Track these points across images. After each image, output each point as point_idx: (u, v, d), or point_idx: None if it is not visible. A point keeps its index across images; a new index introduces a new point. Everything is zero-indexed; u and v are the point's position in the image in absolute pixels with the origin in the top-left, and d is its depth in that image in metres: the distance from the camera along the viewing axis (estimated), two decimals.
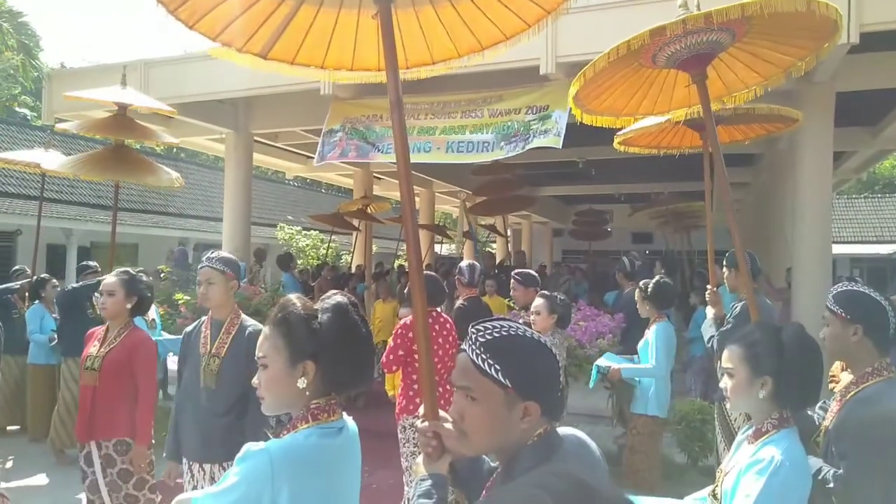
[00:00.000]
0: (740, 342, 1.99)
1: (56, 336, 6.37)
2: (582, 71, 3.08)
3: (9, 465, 5.89)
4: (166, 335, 6.14)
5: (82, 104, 7.44)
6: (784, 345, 1.92)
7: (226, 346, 3.06)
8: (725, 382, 2.01)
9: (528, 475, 0.80)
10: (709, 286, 4.29)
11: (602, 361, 4.88)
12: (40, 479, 5.54)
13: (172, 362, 6.69)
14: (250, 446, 1.45)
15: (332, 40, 2.33)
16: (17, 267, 7.82)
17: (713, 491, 2.03)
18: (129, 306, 3.46)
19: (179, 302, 7.04)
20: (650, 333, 4.65)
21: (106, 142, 7.35)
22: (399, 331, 4.24)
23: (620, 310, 6.47)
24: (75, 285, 6.25)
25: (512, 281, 5.19)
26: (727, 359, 2.00)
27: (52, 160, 6.96)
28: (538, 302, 4.39)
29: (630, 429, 4.83)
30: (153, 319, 6.01)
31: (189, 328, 3.31)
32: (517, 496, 0.73)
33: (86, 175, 6.71)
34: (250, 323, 3.15)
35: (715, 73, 3.37)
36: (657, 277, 4.91)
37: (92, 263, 7.03)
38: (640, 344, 4.77)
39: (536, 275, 5.37)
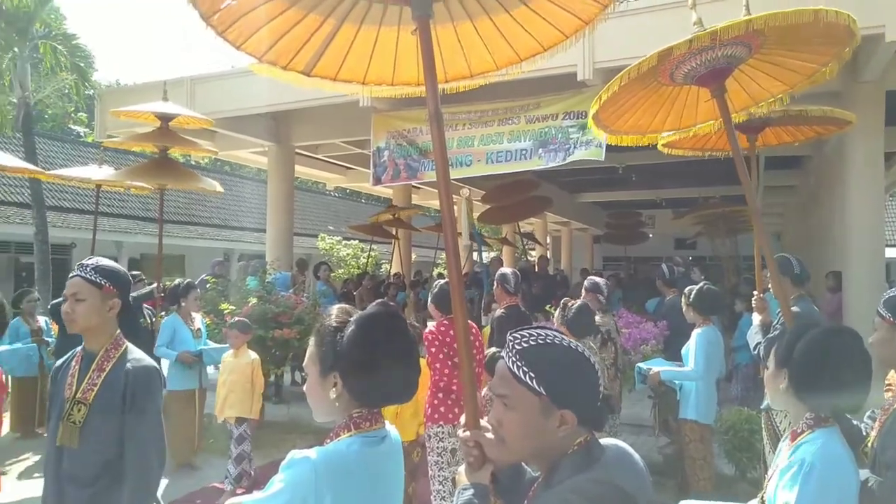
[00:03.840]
0: (779, 336, 2.06)
1: None
2: (598, 95, 3.09)
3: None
4: (212, 344, 6.30)
5: (132, 121, 7.71)
6: (803, 339, 1.89)
7: (95, 389, 2.24)
8: (764, 376, 2.06)
9: (565, 482, 0.80)
10: (755, 292, 4.20)
11: (643, 364, 4.84)
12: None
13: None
14: (294, 453, 1.48)
15: (373, 56, 2.38)
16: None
17: (761, 497, 1.99)
18: None
19: (225, 311, 7.21)
20: (692, 338, 4.59)
21: (152, 156, 7.64)
22: (427, 339, 4.27)
23: (662, 317, 6.37)
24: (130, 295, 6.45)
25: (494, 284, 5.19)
26: (770, 353, 2.05)
27: (104, 175, 7.29)
28: (556, 313, 4.44)
29: (682, 437, 4.76)
30: (198, 329, 6.17)
31: (60, 361, 2.45)
32: (554, 502, 0.74)
33: (132, 181, 7.06)
34: (136, 356, 2.34)
35: (738, 85, 3.34)
36: (702, 284, 4.84)
37: (137, 273, 7.26)
38: (684, 349, 4.71)
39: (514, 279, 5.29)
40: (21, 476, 5.94)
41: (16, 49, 11.92)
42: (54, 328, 7.17)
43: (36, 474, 5.97)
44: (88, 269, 2.33)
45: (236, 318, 5.81)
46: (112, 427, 2.21)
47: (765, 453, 4.28)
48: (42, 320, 7.27)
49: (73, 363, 2.35)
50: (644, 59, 2.75)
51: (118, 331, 2.38)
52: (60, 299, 7.74)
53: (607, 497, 0.74)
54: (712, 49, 2.82)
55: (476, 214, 14.28)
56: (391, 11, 2.21)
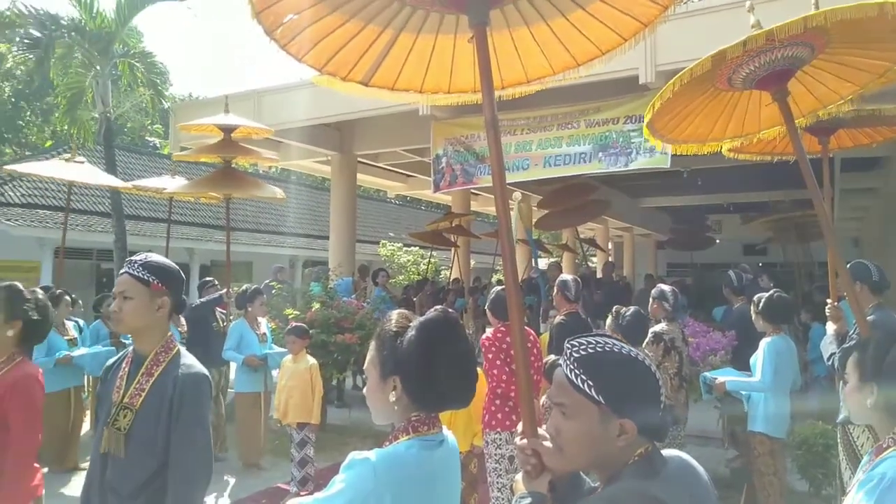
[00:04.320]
0: (858, 348, 1.93)
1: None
2: (651, 102, 3.00)
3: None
4: (277, 348, 6.48)
5: (204, 133, 8.04)
6: (893, 351, 1.79)
7: (143, 395, 2.12)
8: (843, 390, 1.95)
9: (595, 494, 0.79)
10: (829, 301, 4.01)
11: (708, 374, 4.69)
12: None
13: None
14: (354, 454, 1.51)
15: (430, 64, 2.41)
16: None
17: None
18: (9, 333, 2.60)
19: (290, 317, 7.40)
20: (761, 348, 4.42)
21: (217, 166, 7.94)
22: (485, 345, 4.28)
23: (730, 326, 6.15)
24: (200, 300, 6.72)
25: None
26: (848, 364, 1.95)
27: (174, 186, 7.66)
28: (608, 321, 4.36)
29: (751, 450, 4.59)
30: (263, 333, 6.37)
31: (111, 361, 2.33)
32: None
33: (199, 191, 7.37)
34: (187, 362, 2.21)
35: (803, 88, 3.18)
36: (772, 292, 4.65)
37: (209, 279, 7.56)
38: (752, 359, 4.54)
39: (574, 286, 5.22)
40: None
41: (97, 67, 12.62)
42: None
43: None
44: (136, 265, 2.18)
45: (294, 324, 5.90)
46: (158, 436, 2.08)
47: (840, 469, 4.08)
48: None
49: (124, 365, 2.21)
50: (697, 64, 2.66)
51: (170, 332, 2.26)
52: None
53: None
54: (771, 51, 2.70)
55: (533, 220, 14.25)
56: (448, 20, 2.23)
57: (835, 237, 3.66)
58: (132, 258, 2.22)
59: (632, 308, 4.55)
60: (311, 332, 7.02)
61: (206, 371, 2.23)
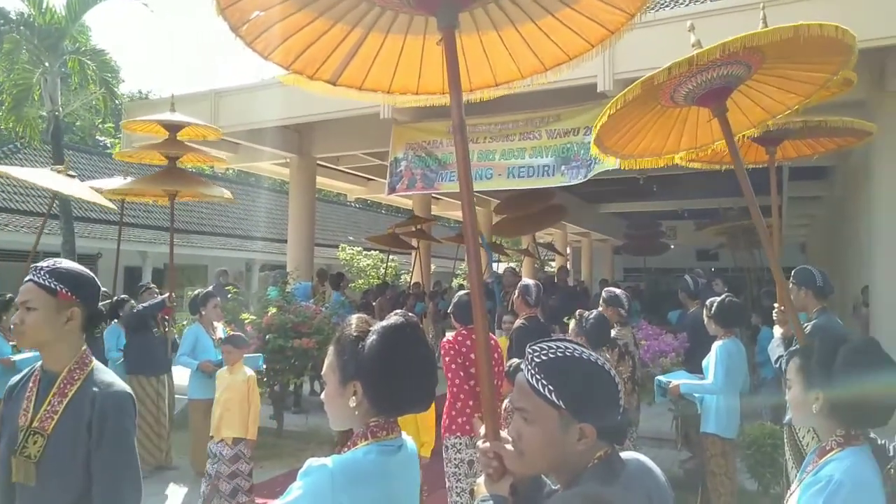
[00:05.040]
0: (800, 354, 1.97)
1: (123, 355, 6.56)
2: (594, 123, 3.08)
3: None
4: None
5: (151, 134, 7.81)
6: (838, 358, 1.84)
7: (56, 417, 1.89)
8: (787, 395, 1.98)
9: (552, 497, 0.80)
10: (776, 305, 4.14)
11: (663, 377, 4.79)
12: None
13: None
14: (312, 461, 1.50)
15: (398, 65, 2.40)
16: (104, 289, 8.27)
17: None
18: None
19: (246, 321, 7.27)
20: (713, 351, 4.54)
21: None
22: (444, 348, 4.28)
23: (684, 329, 6.30)
24: (141, 305, 6.49)
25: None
26: (788, 370, 1.98)
27: (116, 185, 7.47)
28: (571, 325, 4.40)
29: (704, 451, 4.70)
30: (220, 338, 6.23)
31: (14, 379, 2.07)
32: None
33: (143, 189, 7.17)
34: (105, 379, 1.97)
35: (749, 101, 3.30)
36: (723, 296, 4.78)
37: (145, 283, 7.35)
38: (704, 361, 4.66)
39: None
40: None
41: (46, 64, 12.22)
42: None
43: None
44: (42, 272, 1.94)
45: (230, 333, 5.55)
46: (77, 463, 1.86)
47: (787, 469, 4.21)
48: None
49: (31, 384, 1.96)
50: (628, 89, 2.76)
51: (84, 347, 2.01)
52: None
53: None
54: (706, 70, 2.80)
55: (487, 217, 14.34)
56: (417, 21, 2.23)
57: (773, 244, 3.81)
58: (38, 264, 1.98)
59: (594, 311, 4.62)
60: (267, 336, 6.94)
61: (127, 388, 2.01)
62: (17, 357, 6.09)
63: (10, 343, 6.18)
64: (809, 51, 2.77)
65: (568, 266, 15.95)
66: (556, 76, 2.44)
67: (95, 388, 1.92)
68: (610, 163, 6.82)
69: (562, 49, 2.34)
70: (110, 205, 7.83)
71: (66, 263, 2.01)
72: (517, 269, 12.69)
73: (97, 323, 2.05)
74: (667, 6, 7.62)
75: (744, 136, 3.78)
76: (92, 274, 2.05)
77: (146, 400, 6.23)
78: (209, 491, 4.97)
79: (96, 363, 2.02)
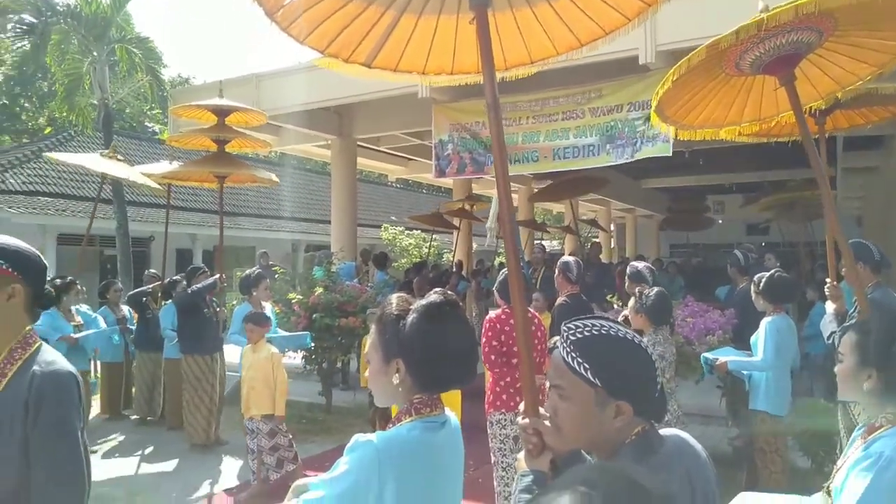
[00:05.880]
0: (857, 329, 1.93)
1: (176, 335, 6.81)
2: (656, 91, 2.98)
3: (148, 451, 6.48)
4: (281, 332, 6.53)
5: (199, 120, 8.00)
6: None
7: None
8: (837, 368, 1.94)
9: (573, 471, 0.81)
10: (828, 280, 4.02)
11: (709, 354, 4.70)
12: (175, 464, 6.06)
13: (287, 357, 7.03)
14: (359, 437, 1.54)
15: (432, 46, 2.40)
16: (153, 270, 8.59)
17: (826, 487, 1.94)
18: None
19: (293, 301, 7.43)
20: (761, 327, 4.43)
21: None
22: (486, 326, 4.30)
23: (733, 306, 6.16)
24: (195, 287, 6.69)
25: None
26: (843, 344, 1.95)
27: (165, 170, 7.73)
28: (630, 302, 4.30)
29: (752, 428, 4.62)
30: (269, 317, 6.40)
31: None
32: (560, 489, 0.75)
33: (193, 173, 7.40)
34: (47, 359, 1.83)
35: (818, 70, 3.15)
36: (773, 271, 4.66)
37: (198, 265, 7.58)
38: (753, 338, 4.56)
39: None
40: (105, 455, 6.35)
41: (94, 53, 12.57)
42: (135, 317, 7.62)
43: (117, 454, 6.38)
44: None
45: (252, 311, 5.61)
46: (12, 450, 1.71)
47: (841, 446, 4.11)
48: (125, 309, 7.72)
49: None
50: (693, 53, 2.65)
51: (29, 327, 1.87)
52: (139, 290, 8.05)
53: (614, 488, 0.74)
54: (776, 36, 2.68)
55: (527, 196, 14.18)
56: (450, 1, 2.22)
57: (836, 217, 3.67)
58: None
59: (655, 289, 4.46)
60: (314, 315, 7.09)
61: (71, 368, 1.85)
62: (79, 335, 6.40)
63: (72, 323, 6.48)
64: (886, 16, 2.64)
65: (612, 243, 15.71)
66: (593, 52, 2.39)
67: (36, 367, 1.79)
68: (660, 149, 6.74)
69: (597, 23, 2.29)
70: (158, 186, 8.08)
71: (7, 239, 1.88)
72: (544, 246, 12.62)
73: (44, 303, 1.95)
74: None
75: (811, 108, 3.62)
76: (37, 251, 1.94)
77: (201, 378, 6.45)
78: (257, 465, 5.15)
79: (44, 345, 1.89)
